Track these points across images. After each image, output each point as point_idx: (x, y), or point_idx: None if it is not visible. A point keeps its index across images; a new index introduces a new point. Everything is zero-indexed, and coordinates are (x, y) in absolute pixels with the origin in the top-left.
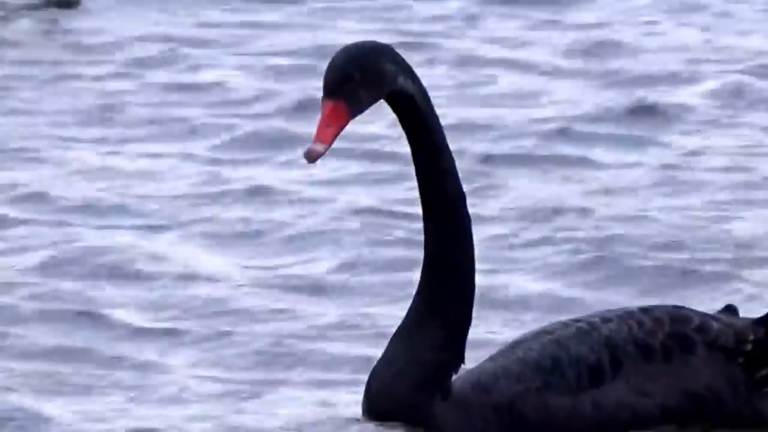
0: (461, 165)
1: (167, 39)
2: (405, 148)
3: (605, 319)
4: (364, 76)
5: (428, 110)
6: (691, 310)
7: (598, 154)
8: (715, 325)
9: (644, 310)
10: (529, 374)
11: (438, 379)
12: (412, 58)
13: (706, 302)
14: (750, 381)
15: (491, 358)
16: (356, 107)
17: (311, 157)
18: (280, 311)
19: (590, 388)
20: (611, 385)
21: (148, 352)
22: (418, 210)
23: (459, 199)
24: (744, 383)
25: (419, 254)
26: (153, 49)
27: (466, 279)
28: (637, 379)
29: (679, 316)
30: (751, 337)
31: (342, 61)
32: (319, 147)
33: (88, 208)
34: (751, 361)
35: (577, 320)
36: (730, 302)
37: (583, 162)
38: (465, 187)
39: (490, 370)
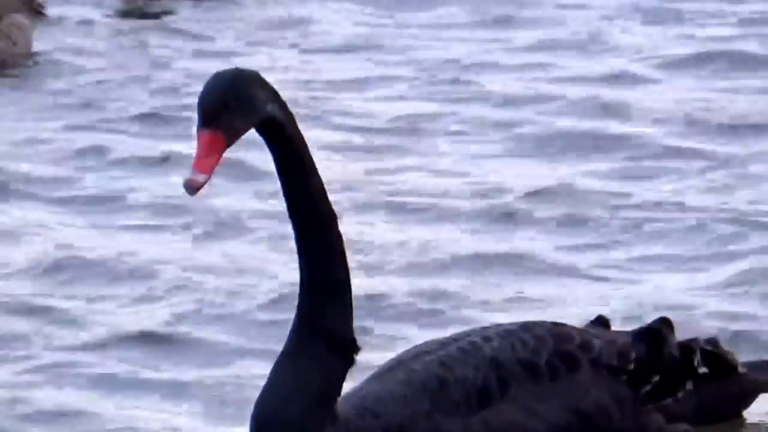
0: None
1: None
2: None
3: (486, 338)
4: (238, 105)
5: (297, 134)
6: (571, 327)
7: None
8: (596, 342)
9: (524, 328)
10: (416, 397)
11: (327, 403)
12: None
13: None
14: (635, 397)
15: (368, 380)
16: (232, 136)
17: (192, 187)
18: None
19: (479, 409)
20: (500, 407)
21: None
22: None
23: (332, 218)
24: (630, 399)
25: None
26: None
27: (346, 297)
28: (526, 399)
29: (561, 334)
30: (633, 356)
31: (215, 89)
32: (200, 177)
33: None
34: (634, 377)
35: (455, 338)
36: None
37: None
38: None
39: (374, 393)
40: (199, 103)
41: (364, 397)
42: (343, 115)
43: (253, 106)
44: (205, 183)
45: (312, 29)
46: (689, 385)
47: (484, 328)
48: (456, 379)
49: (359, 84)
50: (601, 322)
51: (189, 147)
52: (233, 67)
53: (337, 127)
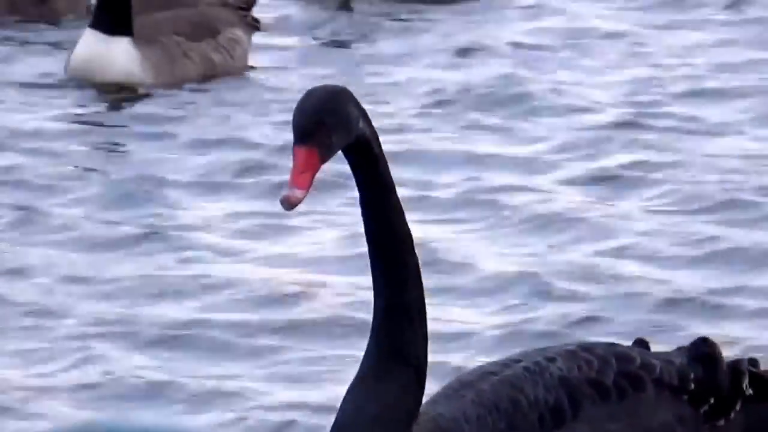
0: None
1: None
2: None
3: (549, 358)
4: (334, 122)
5: (381, 155)
6: (629, 347)
7: None
8: (656, 362)
9: (584, 348)
10: (491, 417)
11: (407, 428)
12: None
13: None
14: (696, 417)
15: (434, 401)
16: (327, 153)
17: (290, 204)
18: None
19: (553, 429)
20: (573, 426)
21: None
22: None
23: (411, 241)
24: (692, 419)
25: None
26: None
27: (423, 321)
28: (597, 418)
29: (621, 354)
30: (692, 376)
31: (311, 106)
32: (298, 193)
33: None
34: (694, 398)
35: (516, 360)
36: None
37: None
38: None
39: (447, 415)
40: (294, 120)
41: (437, 419)
42: None
43: (348, 123)
44: (302, 199)
45: None
46: (738, 407)
47: (541, 350)
48: (528, 399)
49: None
50: (642, 344)
51: None
52: (326, 84)
53: None
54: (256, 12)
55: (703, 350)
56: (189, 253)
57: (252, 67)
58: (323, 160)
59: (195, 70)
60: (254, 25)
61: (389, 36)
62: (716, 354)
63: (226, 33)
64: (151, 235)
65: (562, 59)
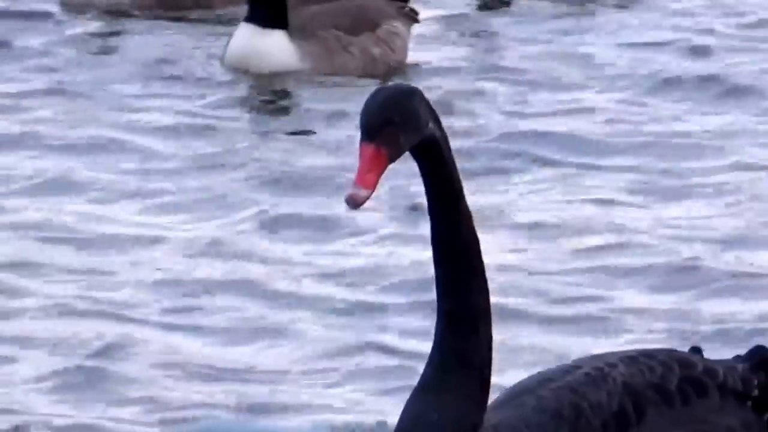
0: None
1: None
2: None
3: (610, 364)
4: (403, 120)
5: (450, 158)
6: (689, 353)
7: None
8: (719, 368)
9: (645, 354)
10: (553, 423)
11: (474, 430)
12: None
13: None
14: (760, 422)
15: (494, 408)
16: (395, 152)
17: (356, 203)
18: None
19: None
20: (638, 431)
21: None
22: None
23: (478, 245)
24: (757, 425)
25: None
26: None
27: (489, 328)
28: (662, 424)
29: (683, 359)
30: (756, 382)
31: (381, 103)
32: (363, 192)
33: None
34: (758, 404)
35: (575, 366)
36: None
37: None
38: None
39: (507, 422)
40: (363, 116)
41: (498, 426)
42: None
43: (417, 123)
44: (368, 198)
45: None
46: None
47: (599, 356)
48: (591, 404)
49: None
50: (696, 351)
51: None
52: (397, 82)
53: None
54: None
55: (765, 357)
56: None
57: (412, 62)
58: (391, 160)
59: (354, 64)
60: (413, 17)
61: (552, 31)
62: None
63: (385, 26)
64: None
65: None
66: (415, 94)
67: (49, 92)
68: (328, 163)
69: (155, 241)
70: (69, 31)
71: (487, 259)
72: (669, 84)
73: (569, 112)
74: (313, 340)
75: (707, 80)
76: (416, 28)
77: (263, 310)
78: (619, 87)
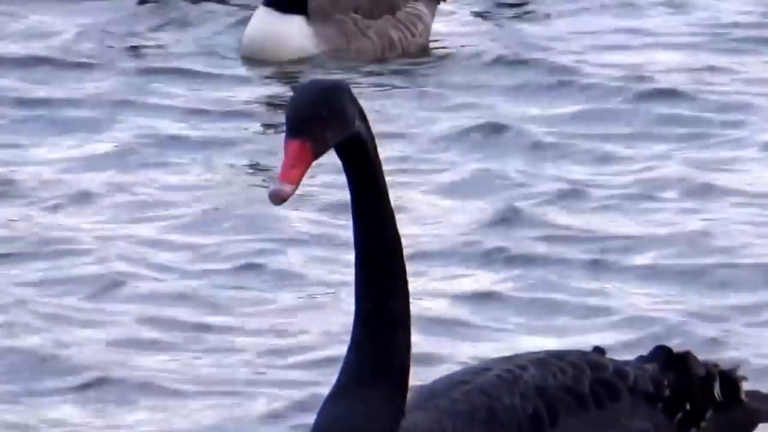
0: None
1: None
2: None
3: (521, 366)
4: (330, 116)
5: (375, 158)
6: (599, 355)
7: None
8: (630, 369)
9: (556, 356)
10: (468, 427)
11: None
12: None
13: None
14: (671, 425)
15: (407, 411)
16: (321, 148)
17: (279, 198)
18: None
19: None
20: None
21: None
22: None
23: (400, 249)
24: (667, 428)
25: None
26: None
27: (408, 331)
28: (576, 427)
29: (594, 362)
30: (666, 383)
31: (308, 99)
32: (287, 188)
33: None
34: (669, 405)
35: (486, 368)
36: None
37: None
38: None
39: (422, 425)
40: (289, 112)
41: (413, 430)
42: None
43: (344, 119)
44: (292, 194)
45: None
46: (709, 414)
47: (507, 358)
48: (505, 407)
49: None
50: (600, 351)
51: None
52: (324, 78)
53: None
54: None
55: (675, 357)
56: None
57: (434, 46)
58: (316, 156)
59: (372, 48)
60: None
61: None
62: (689, 358)
63: (406, 8)
64: None
65: None
66: (344, 89)
67: None
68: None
69: None
70: None
71: None
72: None
73: None
74: None
75: None
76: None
77: None
78: None
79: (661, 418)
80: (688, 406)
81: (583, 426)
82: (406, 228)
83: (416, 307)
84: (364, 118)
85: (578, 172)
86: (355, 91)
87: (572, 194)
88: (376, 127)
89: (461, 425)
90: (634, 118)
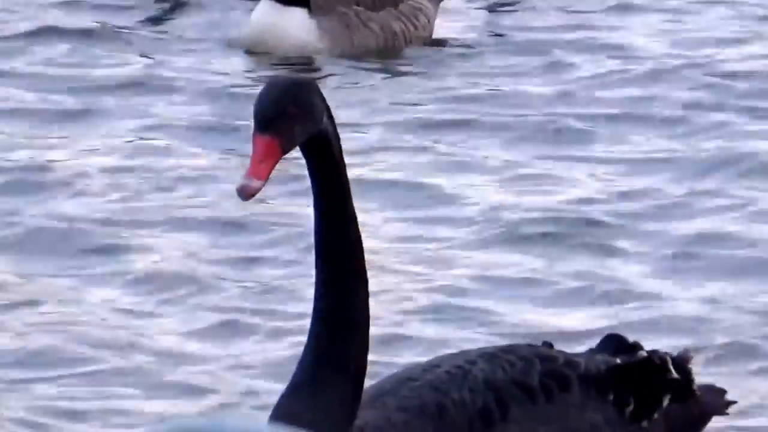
0: None
1: None
2: None
3: (470, 361)
4: (297, 112)
5: (340, 156)
6: (549, 347)
7: None
8: (580, 360)
9: (506, 350)
10: (418, 423)
11: None
12: None
13: None
14: (621, 418)
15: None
16: (289, 143)
17: (247, 194)
18: None
19: None
20: (503, 429)
21: None
22: None
23: (361, 250)
24: (617, 421)
25: None
26: None
27: (366, 331)
28: (526, 421)
29: (544, 354)
30: (617, 374)
31: (277, 95)
32: (256, 183)
33: None
34: (619, 397)
35: (434, 364)
36: None
37: None
38: None
39: (372, 423)
40: (257, 107)
41: (364, 428)
42: None
43: (311, 115)
44: (260, 189)
45: None
46: (663, 406)
47: (458, 354)
48: (454, 402)
49: None
50: (548, 346)
51: None
52: (291, 74)
53: None
54: None
55: (628, 346)
56: None
57: (438, 39)
58: (284, 151)
59: (375, 41)
60: None
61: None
62: (639, 348)
63: (408, 0)
64: None
65: None
66: (311, 86)
67: None
68: None
69: None
70: None
71: None
72: None
73: None
74: None
75: None
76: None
77: None
78: None
79: (611, 410)
80: (637, 400)
81: (534, 418)
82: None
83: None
84: (330, 115)
85: None
86: (359, 83)
87: None
88: (380, 119)
89: (411, 420)
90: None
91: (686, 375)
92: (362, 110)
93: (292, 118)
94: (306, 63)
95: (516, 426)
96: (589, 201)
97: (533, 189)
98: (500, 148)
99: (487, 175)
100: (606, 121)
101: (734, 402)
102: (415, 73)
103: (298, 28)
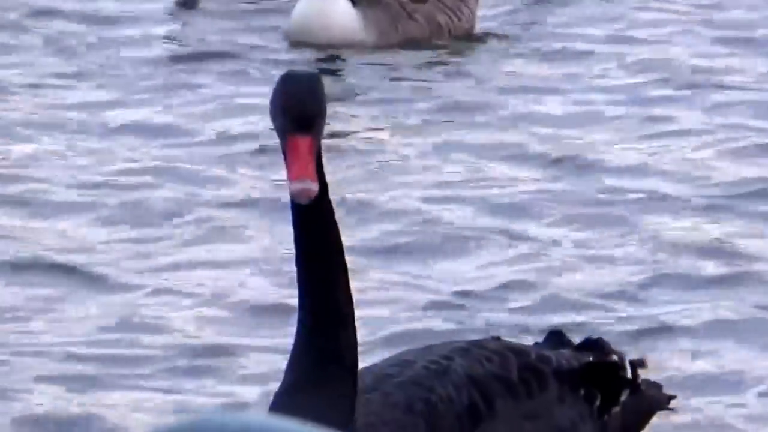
0: None
1: None
2: None
3: (445, 356)
4: (324, 110)
5: (319, 149)
6: (516, 342)
7: None
8: (550, 354)
9: (476, 344)
10: (409, 420)
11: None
12: None
13: None
14: (591, 411)
15: None
16: (319, 142)
17: (307, 197)
18: None
19: (472, 428)
20: (490, 426)
21: None
22: None
23: (341, 241)
24: (589, 415)
25: None
26: None
27: (353, 324)
28: (512, 417)
29: (516, 348)
30: (586, 369)
31: (313, 92)
32: (314, 186)
33: None
34: (588, 392)
35: (408, 360)
36: None
37: None
38: None
39: (361, 419)
40: (296, 106)
41: (355, 425)
42: None
43: (326, 111)
44: (318, 190)
45: None
46: (620, 403)
47: (427, 349)
48: (441, 398)
49: None
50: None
51: None
52: (302, 68)
53: None
54: None
55: (589, 341)
56: None
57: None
58: (317, 151)
59: (420, 32)
60: None
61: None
62: (604, 344)
63: None
64: None
65: None
66: (321, 80)
67: None
68: None
69: None
70: None
71: None
72: None
73: None
74: None
75: None
76: None
77: None
78: None
79: (584, 406)
80: (603, 395)
81: (518, 415)
82: None
83: None
84: None
85: None
86: (404, 75)
87: None
88: (429, 111)
89: (401, 417)
90: None
91: (633, 369)
92: (400, 105)
93: (322, 116)
94: (348, 54)
95: (503, 422)
96: None
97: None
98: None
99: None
100: None
101: (674, 396)
102: (465, 66)
103: (342, 18)
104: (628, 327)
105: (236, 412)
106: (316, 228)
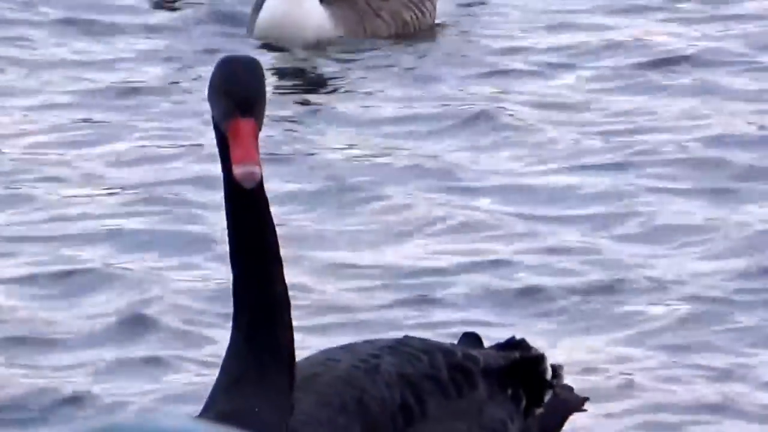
0: None
1: None
2: None
3: (373, 354)
4: (264, 93)
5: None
6: (440, 342)
7: None
8: (477, 354)
9: (402, 343)
10: (343, 420)
11: (285, 425)
12: None
13: None
14: (518, 410)
15: None
16: (260, 126)
17: (253, 180)
18: None
19: (405, 428)
20: (423, 425)
21: None
22: None
23: (275, 233)
24: (516, 415)
25: None
26: None
27: (290, 317)
28: (444, 416)
29: (442, 347)
30: (513, 368)
31: (253, 75)
32: (257, 169)
33: None
34: (515, 391)
35: (332, 359)
36: None
37: None
38: None
39: (298, 419)
40: (237, 89)
41: (291, 422)
42: None
43: (266, 97)
44: (261, 174)
45: None
46: (543, 404)
47: (352, 347)
48: (374, 398)
49: None
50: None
51: None
52: (241, 54)
53: None
54: None
55: (513, 342)
56: None
57: (440, 24)
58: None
59: (386, 29)
60: None
61: None
62: (527, 344)
63: None
64: None
65: None
66: (260, 64)
67: None
68: None
69: None
70: None
71: None
72: None
73: None
74: None
75: None
76: None
77: None
78: None
79: (511, 405)
80: (528, 395)
81: (450, 415)
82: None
83: None
84: None
85: None
86: (374, 71)
87: None
88: (394, 110)
89: (336, 417)
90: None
91: (556, 371)
92: (377, 98)
93: (262, 100)
94: (320, 53)
95: (435, 422)
96: None
97: None
98: None
99: None
100: None
101: (587, 398)
102: (432, 61)
103: (312, 17)
104: None
105: (154, 414)
106: (251, 217)
